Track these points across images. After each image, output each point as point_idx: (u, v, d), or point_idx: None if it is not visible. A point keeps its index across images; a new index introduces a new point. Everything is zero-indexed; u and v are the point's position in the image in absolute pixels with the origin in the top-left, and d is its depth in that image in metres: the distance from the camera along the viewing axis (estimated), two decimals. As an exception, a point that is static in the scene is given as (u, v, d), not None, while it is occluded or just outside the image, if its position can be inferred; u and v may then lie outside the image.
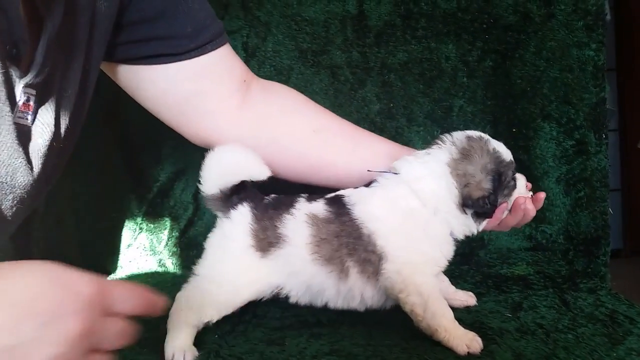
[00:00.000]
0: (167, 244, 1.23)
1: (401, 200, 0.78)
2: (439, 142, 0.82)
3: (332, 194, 0.82)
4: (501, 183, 0.80)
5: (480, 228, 0.83)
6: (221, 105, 0.87)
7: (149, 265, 1.22)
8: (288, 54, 1.20)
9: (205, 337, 0.81)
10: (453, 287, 0.89)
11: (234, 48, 1.18)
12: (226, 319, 0.86)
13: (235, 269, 0.79)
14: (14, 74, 0.65)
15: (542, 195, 0.86)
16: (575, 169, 1.19)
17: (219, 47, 0.86)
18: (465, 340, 0.72)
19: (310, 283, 0.79)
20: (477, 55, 1.20)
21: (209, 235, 0.83)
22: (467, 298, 0.89)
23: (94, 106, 1.21)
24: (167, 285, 1.09)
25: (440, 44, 1.20)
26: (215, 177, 0.80)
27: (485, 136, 0.82)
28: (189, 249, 1.22)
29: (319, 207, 0.79)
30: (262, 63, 1.20)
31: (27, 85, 0.67)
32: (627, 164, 2.23)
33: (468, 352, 0.71)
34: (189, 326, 0.77)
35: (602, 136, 1.19)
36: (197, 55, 0.84)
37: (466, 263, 1.11)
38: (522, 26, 1.19)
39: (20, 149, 0.67)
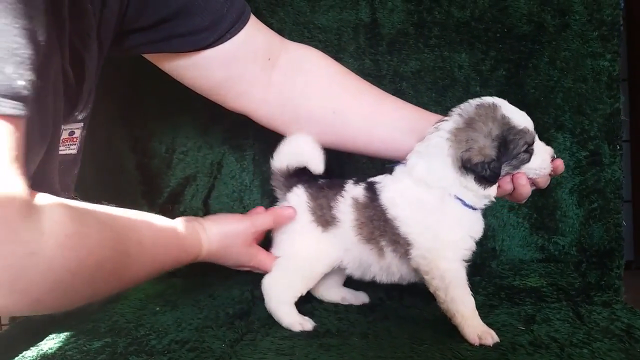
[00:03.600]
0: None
1: (409, 192, 0.83)
2: (449, 114, 0.83)
3: (370, 180, 0.88)
4: (508, 151, 0.78)
5: (493, 193, 0.82)
6: (249, 88, 0.93)
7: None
8: (300, 61, 1.20)
9: (213, 345, 0.80)
10: None
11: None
12: (233, 327, 0.86)
13: (304, 242, 0.88)
14: (68, 114, 0.72)
15: (557, 162, 0.84)
16: (588, 180, 1.18)
17: (238, 32, 0.89)
18: (479, 330, 0.75)
19: (360, 259, 0.87)
20: (490, 64, 1.20)
21: None
22: None
23: (106, 112, 1.23)
24: (177, 291, 1.08)
25: (453, 52, 1.20)
26: (286, 154, 0.91)
27: (500, 102, 0.81)
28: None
29: (360, 192, 0.86)
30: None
31: (76, 121, 0.75)
32: (639, 175, 2.20)
33: (480, 344, 0.74)
34: (287, 304, 0.86)
35: (616, 147, 1.18)
36: (218, 44, 0.88)
37: (478, 274, 1.10)
38: (536, 36, 1.18)
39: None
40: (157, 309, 0.97)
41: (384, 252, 0.84)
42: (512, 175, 0.82)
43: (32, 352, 0.80)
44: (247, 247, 0.88)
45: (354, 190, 0.87)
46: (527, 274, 1.09)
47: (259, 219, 0.89)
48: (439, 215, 0.81)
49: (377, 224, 0.84)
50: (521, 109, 1.19)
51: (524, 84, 1.19)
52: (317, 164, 0.90)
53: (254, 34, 0.92)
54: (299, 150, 0.91)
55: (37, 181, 0.60)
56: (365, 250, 0.86)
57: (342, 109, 0.94)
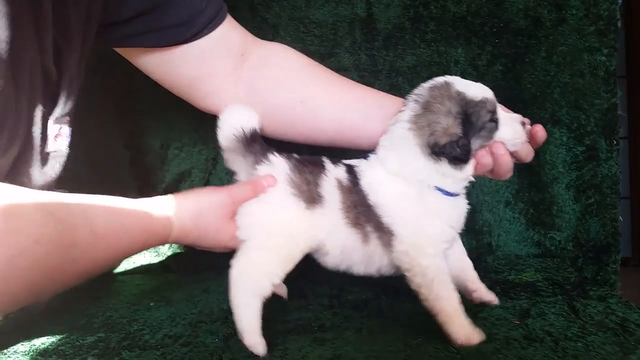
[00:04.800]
0: (171, 245, 1.22)
1: (385, 182, 0.79)
2: (406, 103, 0.81)
3: (347, 162, 0.83)
4: (473, 124, 0.76)
5: (470, 173, 0.79)
6: (220, 85, 0.92)
7: (153, 266, 1.22)
8: (296, 56, 1.20)
9: (207, 340, 0.80)
10: (477, 275, 0.88)
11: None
12: (227, 322, 0.86)
13: (284, 218, 0.79)
14: (48, 111, 0.71)
15: (536, 128, 0.80)
16: (585, 175, 1.18)
17: (215, 28, 0.88)
18: (464, 329, 0.73)
19: (343, 244, 0.81)
20: (486, 59, 1.19)
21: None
22: (486, 292, 0.87)
23: (100, 108, 1.22)
24: (172, 286, 1.08)
25: (450, 47, 1.19)
26: (227, 126, 0.84)
27: (452, 80, 0.79)
28: (193, 250, 1.21)
29: (342, 173, 0.81)
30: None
31: (59, 117, 0.73)
32: (637, 172, 2.20)
33: (465, 342, 0.72)
34: (256, 297, 0.75)
35: (613, 142, 1.17)
36: (193, 40, 0.87)
37: (474, 269, 1.09)
38: (532, 31, 1.17)
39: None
40: (151, 304, 0.97)
41: (369, 238, 0.80)
42: (489, 148, 0.79)
43: (25, 347, 0.80)
44: (226, 222, 0.80)
45: (335, 171, 0.81)
46: (522, 269, 1.09)
47: (237, 188, 0.81)
48: (417, 207, 0.78)
49: (362, 210, 0.79)
50: (518, 104, 1.20)
51: (521, 79, 1.19)
52: (248, 118, 0.84)
53: (230, 32, 0.91)
54: (235, 117, 0.85)
55: (10, 179, 0.59)
56: (351, 234, 0.80)
57: (310, 98, 0.92)
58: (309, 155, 0.84)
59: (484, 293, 0.87)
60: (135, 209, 0.73)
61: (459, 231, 0.84)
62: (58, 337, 0.83)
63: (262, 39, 1.20)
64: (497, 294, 0.94)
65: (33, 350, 0.78)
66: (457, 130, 0.75)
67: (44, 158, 0.74)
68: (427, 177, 0.78)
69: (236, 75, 0.93)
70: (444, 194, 0.79)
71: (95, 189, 1.23)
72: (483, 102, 0.77)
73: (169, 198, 0.79)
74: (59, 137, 0.76)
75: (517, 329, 0.79)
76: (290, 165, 0.81)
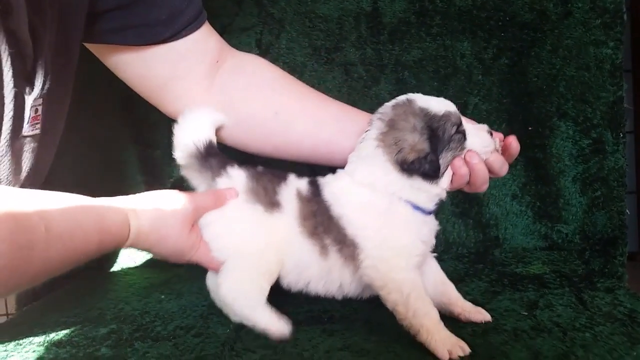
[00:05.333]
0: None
1: (353, 193, 0.79)
2: (371, 121, 0.81)
3: (311, 178, 0.84)
4: (440, 139, 0.76)
5: (444, 188, 0.79)
6: (191, 89, 0.90)
7: (152, 261, 1.23)
8: (301, 51, 1.21)
9: (218, 330, 0.81)
10: (460, 296, 0.82)
11: (248, 45, 1.19)
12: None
13: (248, 231, 0.78)
14: (26, 91, 0.67)
15: (509, 139, 0.80)
16: (591, 168, 1.18)
17: (194, 30, 0.87)
18: (448, 344, 0.68)
19: (299, 256, 0.79)
20: (492, 53, 1.19)
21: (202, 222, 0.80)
22: (475, 312, 0.80)
23: (110, 102, 1.23)
24: (181, 279, 1.09)
25: (456, 41, 1.19)
26: (180, 144, 0.83)
27: (414, 97, 0.80)
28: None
29: (304, 185, 0.82)
30: (276, 60, 1.20)
31: (36, 98, 0.69)
32: (643, 166, 2.20)
33: (450, 358, 0.67)
34: (261, 306, 0.76)
35: (619, 135, 1.17)
36: (171, 41, 0.86)
37: (481, 262, 1.10)
38: (538, 24, 1.18)
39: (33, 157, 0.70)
40: (162, 297, 0.98)
41: (328, 251, 0.77)
42: (464, 159, 0.79)
43: (40, 338, 0.81)
44: (186, 230, 0.76)
45: (296, 182, 0.82)
46: (530, 262, 1.09)
47: (199, 196, 0.79)
48: (385, 219, 0.77)
49: (321, 220, 0.78)
50: (523, 97, 1.20)
51: (527, 73, 1.19)
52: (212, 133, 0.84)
53: (207, 37, 0.90)
54: (192, 125, 0.83)
55: None
56: (307, 245, 0.78)
57: (284, 110, 0.91)
58: (277, 170, 0.84)
59: (472, 314, 0.80)
60: (90, 207, 0.68)
61: (431, 249, 0.82)
62: (71, 329, 0.84)
63: (268, 33, 1.21)
64: (504, 286, 0.96)
65: (47, 341, 0.80)
66: (424, 146, 0.76)
67: (19, 143, 0.70)
68: (398, 191, 0.78)
69: (209, 82, 0.91)
70: (415, 209, 0.78)
71: (104, 184, 1.25)
72: (447, 116, 0.78)
73: (127, 198, 0.74)
74: (34, 121, 0.72)
75: (526, 320, 0.80)
76: (248, 174, 0.81)
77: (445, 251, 1.18)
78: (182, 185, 1.23)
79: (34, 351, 0.76)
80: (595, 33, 1.17)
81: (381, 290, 0.74)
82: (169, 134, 1.23)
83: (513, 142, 0.81)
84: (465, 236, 1.21)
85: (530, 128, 1.19)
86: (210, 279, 0.84)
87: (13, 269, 0.55)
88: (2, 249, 0.53)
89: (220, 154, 0.84)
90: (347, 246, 0.77)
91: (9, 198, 0.57)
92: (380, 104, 1.20)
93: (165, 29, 0.84)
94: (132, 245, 0.73)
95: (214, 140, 0.84)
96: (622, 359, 0.67)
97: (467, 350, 0.69)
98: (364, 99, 1.21)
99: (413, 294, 0.72)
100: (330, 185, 0.81)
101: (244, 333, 0.79)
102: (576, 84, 1.18)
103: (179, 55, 0.88)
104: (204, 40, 0.90)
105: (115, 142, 1.24)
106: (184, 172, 0.86)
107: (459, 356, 0.68)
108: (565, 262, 1.09)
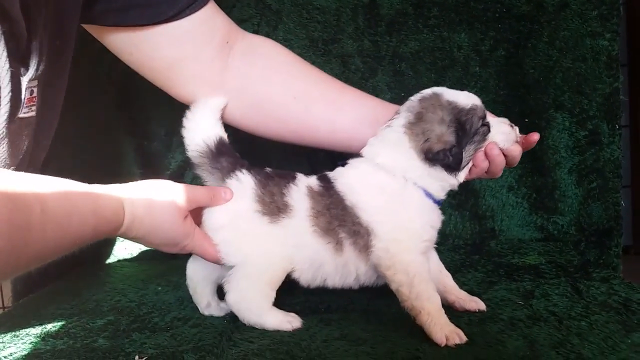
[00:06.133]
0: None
1: (370, 176, 0.80)
2: (398, 112, 0.82)
3: (320, 174, 0.84)
4: (466, 132, 0.78)
5: (461, 179, 0.81)
6: (204, 70, 0.88)
7: (159, 253, 1.22)
8: (299, 42, 1.20)
9: (215, 321, 0.81)
10: (456, 285, 0.84)
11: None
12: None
13: (253, 241, 0.79)
14: (21, 71, 0.66)
15: (534, 137, 0.83)
16: (587, 160, 1.18)
17: (199, 9, 0.85)
18: (446, 330, 0.70)
19: (312, 257, 0.79)
20: (489, 44, 1.19)
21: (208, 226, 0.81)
22: (469, 300, 0.82)
23: (107, 95, 1.23)
24: (178, 271, 1.08)
25: (453, 33, 1.19)
26: (193, 136, 0.84)
27: (441, 90, 0.81)
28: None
29: (314, 181, 0.82)
30: (273, 52, 1.19)
31: (31, 80, 0.68)
32: (638, 160, 2.21)
33: (446, 344, 0.69)
34: (269, 310, 0.78)
35: (615, 127, 1.18)
36: (176, 20, 0.84)
37: (477, 253, 1.11)
38: (535, 15, 1.17)
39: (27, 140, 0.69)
40: (159, 288, 0.98)
41: (343, 245, 0.78)
42: (484, 150, 0.81)
43: (37, 329, 0.81)
44: (181, 219, 0.75)
45: (307, 180, 0.82)
46: (526, 253, 1.10)
47: (196, 190, 0.78)
48: (399, 201, 0.78)
49: (335, 213, 0.79)
50: (520, 89, 1.20)
51: (523, 64, 1.19)
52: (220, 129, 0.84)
53: (214, 16, 0.88)
54: (202, 119, 0.84)
55: None
56: (320, 245, 0.79)
57: (303, 95, 0.89)
58: (284, 171, 0.84)
59: (466, 302, 0.82)
60: (86, 191, 0.67)
61: (435, 240, 0.83)
62: (68, 320, 0.84)
63: (266, 25, 1.20)
64: (500, 276, 0.96)
65: (44, 333, 0.79)
66: (450, 138, 0.77)
67: (16, 125, 0.70)
68: (415, 177, 0.79)
69: (222, 64, 0.89)
70: (425, 195, 0.80)
71: (101, 175, 1.24)
72: (474, 109, 0.79)
73: (121, 186, 0.73)
74: (30, 103, 0.71)
75: (522, 309, 0.80)
76: (256, 180, 0.81)
77: (442, 242, 1.17)
78: (179, 177, 1.23)
79: (30, 342, 0.76)
80: (592, 25, 1.16)
81: (387, 271, 0.76)
82: (166, 126, 1.24)
83: (534, 135, 0.84)
84: (462, 228, 1.21)
85: (526, 120, 1.20)
86: (191, 266, 0.85)
87: (11, 250, 0.54)
88: (2, 229, 0.52)
89: (232, 151, 0.84)
90: (361, 236, 0.78)
91: (4, 179, 0.56)
92: (378, 95, 1.20)
93: (168, 8, 0.83)
94: (125, 232, 0.72)
95: (224, 136, 0.85)
96: (617, 346, 0.67)
97: (464, 339, 0.69)
98: (362, 90, 1.20)
99: (418, 276, 0.74)
100: (343, 176, 0.82)
101: (241, 323, 0.79)
102: (572, 76, 1.18)
103: (185, 35, 0.85)
104: (210, 19, 0.88)
105: (112, 134, 1.24)
106: (198, 172, 0.85)
107: (456, 344, 0.68)
108: (561, 253, 1.10)
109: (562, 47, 1.18)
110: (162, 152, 1.24)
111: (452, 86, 1.20)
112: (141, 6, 0.81)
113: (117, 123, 1.23)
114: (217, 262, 0.79)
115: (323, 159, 1.23)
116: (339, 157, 1.22)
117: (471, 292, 0.84)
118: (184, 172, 1.24)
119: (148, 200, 0.73)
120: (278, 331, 0.76)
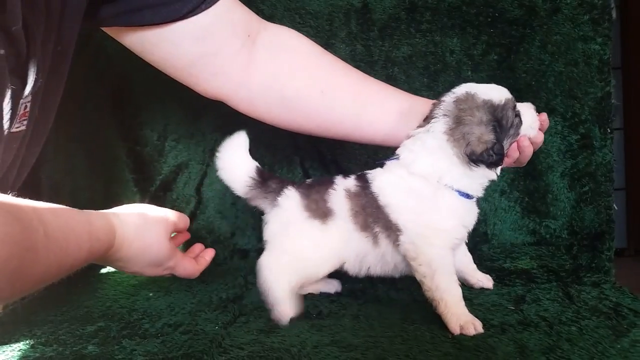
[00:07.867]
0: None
1: (401, 181, 0.83)
2: (434, 116, 0.83)
3: (360, 173, 0.88)
4: (503, 128, 0.81)
5: (499, 171, 0.85)
6: (228, 65, 0.88)
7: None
8: (291, 47, 1.20)
9: (206, 327, 0.81)
10: (474, 266, 0.94)
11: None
12: (227, 310, 0.87)
13: (307, 240, 0.85)
14: (18, 88, 0.67)
15: (542, 116, 0.86)
16: (579, 164, 1.18)
17: (214, 3, 0.84)
18: (462, 320, 0.74)
19: (357, 250, 0.85)
20: (481, 49, 1.20)
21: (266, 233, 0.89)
22: (484, 279, 0.93)
23: (99, 100, 1.22)
24: (170, 278, 1.08)
25: (445, 37, 1.19)
26: (238, 175, 0.89)
27: (473, 90, 0.82)
28: (191, 243, 1.21)
29: (352, 182, 0.87)
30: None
31: (25, 96, 0.68)
32: (632, 163, 2.21)
33: (460, 332, 0.73)
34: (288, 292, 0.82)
35: (607, 131, 1.18)
36: (192, 16, 0.83)
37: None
38: (527, 20, 1.18)
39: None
40: (150, 294, 0.98)
41: (379, 239, 0.84)
42: (517, 142, 0.84)
43: (26, 336, 0.80)
44: (167, 239, 0.82)
45: (344, 183, 0.87)
46: (518, 257, 1.10)
47: (172, 212, 0.86)
48: (431, 204, 0.81)
49: (370, 212, 0.84)
50: (512, 93, 1.18)
51: (515, 68, 1.19)
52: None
53: (232, 9, 0.88)
54: (235, 158, 0.89)
55: None
56: (362, 238, 0.84)
57: (330, 88, 0.90)
58: (322, 177, 0.89)
59: (484, 281, 0.93)
60: (78, 213, 0.70)
61: (466, 237, 0.88)
62: (58, 327, 0.84)
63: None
64: (492, 281, 0.96)
65: (34, 340, 0.79)
66: (490, 137, 0.79)
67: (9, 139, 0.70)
68: (453, 181, 0.82)
69: (246, 57, 0.88)
70: (461, 195, 0.82)
71: (93, 181, 1.24)
72: (507, 104, 0.82)
73: (111, 210, 0.78)
74: (22, 117, 0.71)
75: (513, 314, 0.80)
76: (300, 193, 0.87)
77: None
78: (171, 182, 1.23)
79: (19, 350, 0.76)
80: (584, 29, 1.17)
81: (413, 261, 0.81)
82: (158, 131, 1.23)
83: (545, 118, 0.86)
84: (455, 232, 1.21)
85: (519, 124, 1.20)
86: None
87: (20, 271, 0.54)
88: (13, 251, 0.52)
89: (271, 174, 0.91)
90: (393, 232, 0.83)
91: (12, 204, 0.57)
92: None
93: (183, 5, 0.82)
94: (114, 253, 0.75)
95: (258, 164, 0.90)
96: (606, 351, 0.67)
97: (480, 329, 0.74)
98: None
99: (440, 270, 0.78)
100: (378, 178, 0.85)
101: (233, 329, 0.79)
102: (564, 80, 1.18)
103: (204, 31, 0.85)
104: (228, 12, 0.87)
105: (104, 139, 1.24)
106: (253, 203, 0.90)
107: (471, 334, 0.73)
108: (553, 257, 1.10)
109: (554, 51, 1.18)
110: (155, 157, 1.23)
111: (444, 91, 1.21)
112: (155, 5, 0.81)
113: (109, 128, 1.23)
114: (194, 276, 0.88)
115: (317, 165, 1.24)
116: (332, 162, 1.23)
117: (463, 297, 0.84)
118: (176, 177, 1.24)
119: (138, 221, 0.77)
120: (269, 337, 0.76)
